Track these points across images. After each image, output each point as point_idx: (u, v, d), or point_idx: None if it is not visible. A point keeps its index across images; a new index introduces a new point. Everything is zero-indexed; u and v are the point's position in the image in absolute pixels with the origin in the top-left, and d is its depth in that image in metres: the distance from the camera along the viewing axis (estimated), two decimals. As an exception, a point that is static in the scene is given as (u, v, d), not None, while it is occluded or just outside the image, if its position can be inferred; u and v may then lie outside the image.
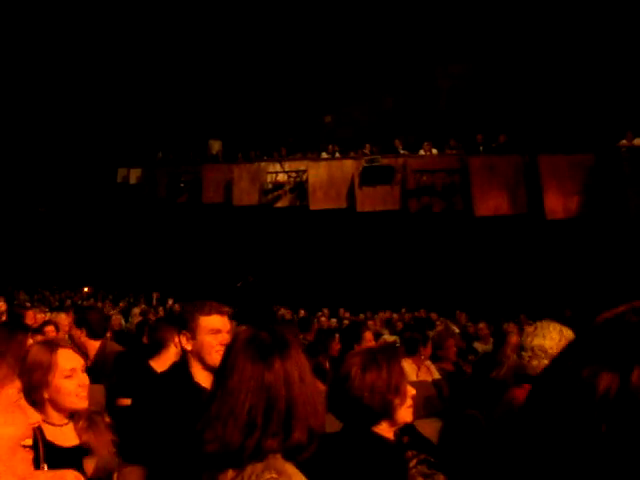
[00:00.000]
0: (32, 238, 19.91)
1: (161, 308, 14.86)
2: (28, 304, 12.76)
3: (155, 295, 17.36)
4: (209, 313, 2.63)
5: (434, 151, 16.31)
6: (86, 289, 18.11)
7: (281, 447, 1.59)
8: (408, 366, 6.12)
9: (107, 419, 2.53)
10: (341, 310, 15.36)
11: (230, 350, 1.75)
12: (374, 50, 18.45)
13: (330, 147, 17.83)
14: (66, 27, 19.46)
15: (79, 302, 16.29)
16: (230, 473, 1.59)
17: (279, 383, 1.63)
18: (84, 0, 19.17)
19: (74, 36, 19.62)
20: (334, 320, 14.02)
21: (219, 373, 1.75)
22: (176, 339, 3.98)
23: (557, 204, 14.25)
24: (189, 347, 2.61)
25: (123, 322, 11.15)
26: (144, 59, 19.83)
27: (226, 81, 19.81)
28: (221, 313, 2.66)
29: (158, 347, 4.05)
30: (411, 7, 17.92)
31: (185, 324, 2.64)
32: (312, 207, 16.93)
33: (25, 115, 20.13)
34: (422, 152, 16.40)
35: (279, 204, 17.47)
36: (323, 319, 13.74)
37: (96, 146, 20.17)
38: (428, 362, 5.95)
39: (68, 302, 15.96)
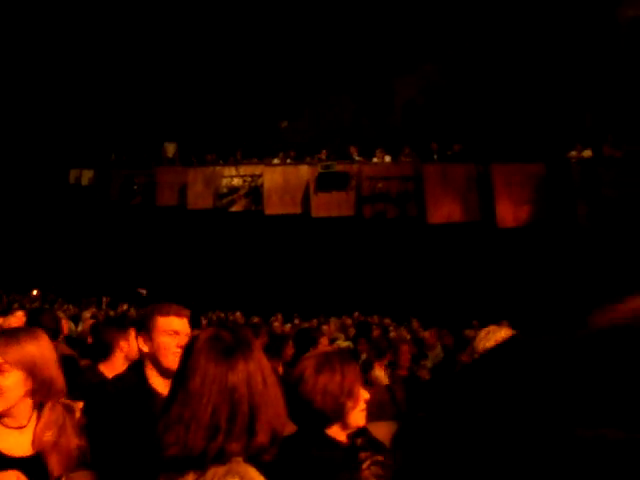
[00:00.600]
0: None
1: (112, 312, 14.66)
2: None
3: (105, 299, 17.11)
4: (167, 314, 2.58)
5: (387, 158, 16.48)
6: (35, 292, 17.77)
7: (244, 450, 1.57)
8: (380, 371, 6.21)
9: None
10: (295, 315, 15.45)
11: (190, 350, 1.70)
12: (332, 57, 18.61)
13: (285, 152, 17.88)
14: (29, 22, 19.21)
15: (27, 305, 16.01)
16: (191, 476, 1.56)
17: (243, 385, 1.61)
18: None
19: (31, 31, 19.43)
20: (288, 326, 14.08)
21: (179, 374, 1.70)
22: (122, 343, 4.01)
23: (508, 212, 14.55)
24: (145, 349, 2.57)
25: (73, 326, 10.98)
26: (98, 59, 19.68)
27: (182, 83, 19.80)
28: (180, 315, 2.62)
29: (106, 351, 4.02)
30: (371, 16, 18.05)
31: (143, 325, 2.61)
32: (267, 212, 16.97)
33: None
34: (375, 159, 16.58)
35: (234, 208, 17.43)
36: (276, 324, 13.72)
37: (48, 146, 19.93)
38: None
39: (16, 305, 15.66)
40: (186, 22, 19.32)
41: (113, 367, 3.86)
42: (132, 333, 4.75)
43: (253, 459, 1.59)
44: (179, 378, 1.68)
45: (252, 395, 1.61)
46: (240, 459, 1.56)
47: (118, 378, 2.78)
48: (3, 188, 20.08)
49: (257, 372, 1.65)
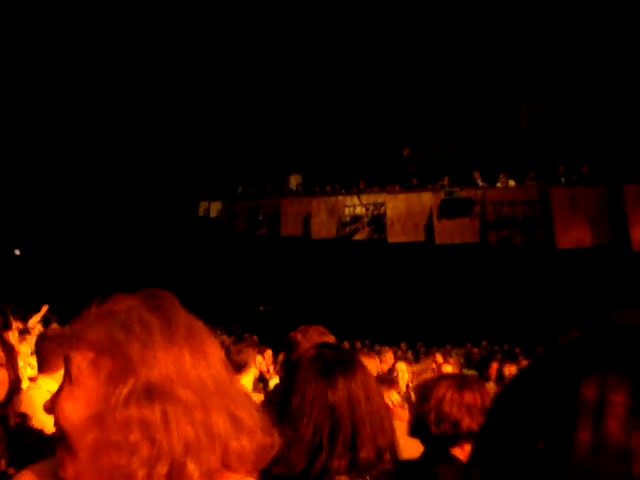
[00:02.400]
0: (119, 270, 20.85)
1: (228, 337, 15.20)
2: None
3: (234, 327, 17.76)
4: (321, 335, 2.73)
5: (511, 183, 16.40)
6: None
7: (347, 468, 1.57)
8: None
9: None
10: (418, 344, 15.50)
11: (293, 369, 1.77)
12: (453, 84, 18.71)
13: (407, 180, 18.09)
14: (151, 60, 20.47)
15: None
16: None
17: (343, 402, 1.62)
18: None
19: (162, 74, 20.65)
20: (410, 352, 14.28)
21: (283, 393, 1.76)
22: (258, 359, 4.38)
23: (644, 235, 14.12)
24: None
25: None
26: (229, 98, 20.59)
27: (305, 116, 20.36)
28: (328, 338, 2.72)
29: (239, 368, 4.26)
30: (494, 40, 18.05)
31: (290, 345, 2.79)
32: (390, 240, 17.14)
33: (112, 153, 21.13)
34: (499, 184, 16.54)
35: (357, 237, 17.72)
36: (399, 353, 13.69)
37: (179, 180, 20.94)
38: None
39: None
40: (312, 56, 19.97)
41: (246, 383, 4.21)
42: (269, 352, 5.18)
43: (359, 475, 1.59)
44: (283, 397, 1.74)
45: (354, 412, 1.62)
46: (344, 477, 1.57)
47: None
48: (140, 223, 21.39)
49: (359, 390, 1.65)
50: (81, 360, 1.00)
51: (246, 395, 1.12)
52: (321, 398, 1.62)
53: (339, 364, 1.70)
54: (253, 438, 1.03)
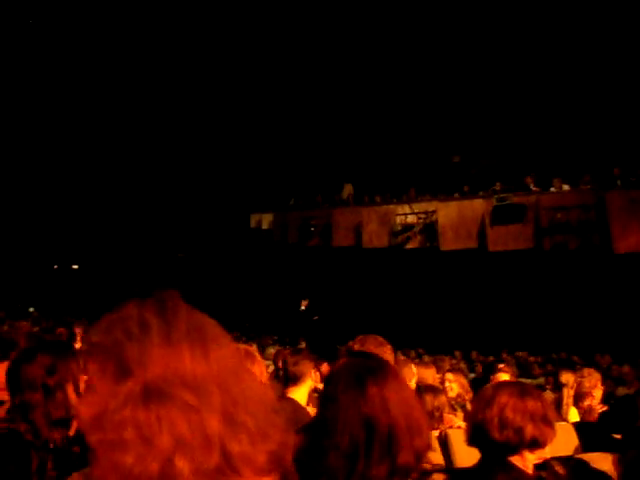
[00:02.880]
0: (172, 282, 21.00)
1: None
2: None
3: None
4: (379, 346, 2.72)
5: (565, 187, 16.20)
6: None
7: (387, 473, 1.59)
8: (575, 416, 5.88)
9: None
10: (474, 353, 15.34)
11: (328, 380, 1.83)
12: (503, 86, 18.54)
13: (459, 187, 18.06)
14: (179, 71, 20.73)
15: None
16: None
17: (378, 409, 1.64)
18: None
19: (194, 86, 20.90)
20: (463, 362, 14.10)
21: (320, 404, 1.82)
22: (313, 373, 4.39)
23: None
24: None
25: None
26: (280, 110, 20.85)
27: (355, 125, 20.39)
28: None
29: (295, 380, 4.23)
30: (547, 48, 17.95)
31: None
32: (443, 248, 17.10)
33: (166, 167, 21.63)
34: (553, 189, 16.33)
35: (409, 245, 17.75)
36: (453, 362, 13.52)
37: (232, 193, 21.23)
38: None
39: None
40: (358, 65, 20.04)
41: (301, 395, 4.17)
42: (325, 365, 5.07)
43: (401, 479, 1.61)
44: (320, 407, 1.81)
45: (389, 418, 1.63)
46: None
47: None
48: (193, 235, 21.76)
49: (392, 395, 1.67)
50: (92, 364, 1.05)
51: (258, 393, 1.11)
52: (354, 407, 1.65)
53: (369, 371, 1.73)
54: (258, 441, 1.02)
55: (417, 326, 16.67)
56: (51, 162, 21.01)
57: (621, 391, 8.91)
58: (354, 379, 1.71)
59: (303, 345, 15.13)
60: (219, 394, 1.02)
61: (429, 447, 1.72)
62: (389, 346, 2.90)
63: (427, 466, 2.48)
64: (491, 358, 13.92)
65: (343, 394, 1.68)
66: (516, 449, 2.24)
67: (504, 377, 5.89)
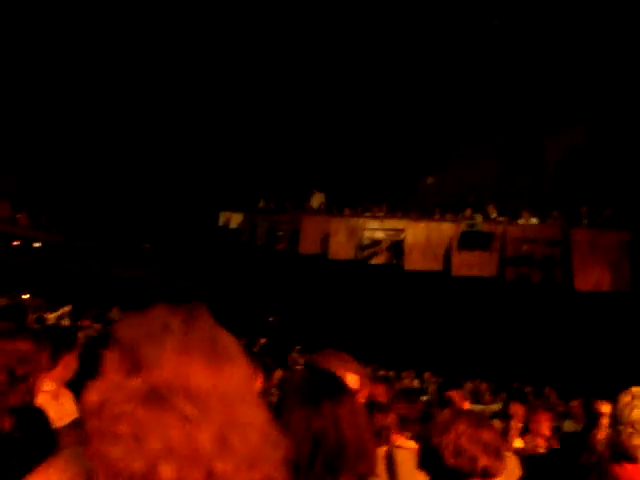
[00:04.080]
0: (135, 272, 21.19)
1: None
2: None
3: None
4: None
5: (533, 220, 16.41)
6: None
7: None
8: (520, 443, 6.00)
9: None
10: (427, 374, 15.32)
11: (282, 393, 1.82)
12: (481, 115, 18.79)
13: (429, 209, 18.20)
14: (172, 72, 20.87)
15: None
16: None
17: (328, 427, 1.63)
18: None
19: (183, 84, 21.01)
20: (416, 381, 14.36)
21: (273, 413, 1.84)
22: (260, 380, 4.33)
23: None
24: None
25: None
26: (257, 113, 20.97)
27: (332, 136, 20.59)
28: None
29: None
30: (524, 76, 18.20)
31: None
32: (407, 267, 17.19)
33: (136, 155, 21.66)
34: (521, 220, 16.55)
35: (375, 261, 17.78)
36: (407, 381, 14.07)
37: (203, 188, 21.28)
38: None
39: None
40: (336, 77, 20.23)
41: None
42: (279, 372, 5.00)
43: None
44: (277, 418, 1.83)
45: (339, 438, 1.62)
46: None
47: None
48: (160, 227, 21.64)
49: (345, 416, 1.66)
50: (110, 356, 1.09)
51: (261, 422, 1.12)
52: (306, 421, 1.63)
53: (327, 389, 1.73)
54: (243, 466, 1.04)
55: (374, 341, 16.62)
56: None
57: (567, 425, 9.01)
58: (310, 394, 1.70)
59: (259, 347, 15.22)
60: (219, 412, 1.05)
61: (373, 473, 1.72)
62: (355, 365, 2.86)
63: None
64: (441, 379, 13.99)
65: (297, 407, 1.66)
66: (467, 477, 2.27)
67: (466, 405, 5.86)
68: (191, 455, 1.01)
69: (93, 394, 1.07)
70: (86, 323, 14.61)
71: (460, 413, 2.49)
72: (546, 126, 18.59)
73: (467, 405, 5.86)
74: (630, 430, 2.44)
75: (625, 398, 2.53)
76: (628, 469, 2.41)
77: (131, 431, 1.00)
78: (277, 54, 20.52)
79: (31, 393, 2.49)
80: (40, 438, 2.46)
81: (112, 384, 1.06)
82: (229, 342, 1.16)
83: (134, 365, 1.05)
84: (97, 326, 13.54)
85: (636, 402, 2.48)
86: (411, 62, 19.42)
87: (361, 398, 2.47)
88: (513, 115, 18.65)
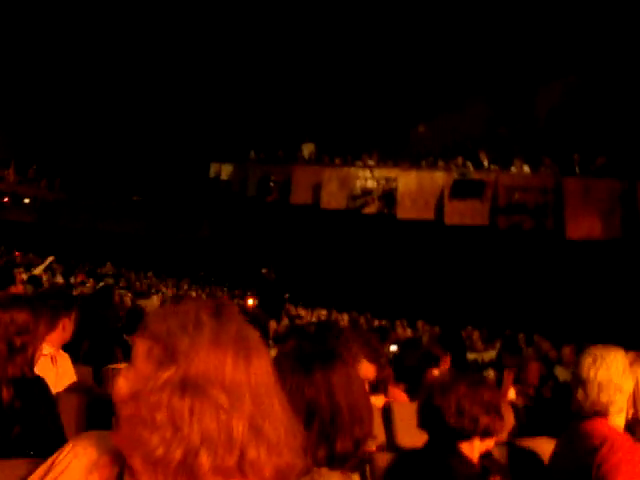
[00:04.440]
0: (125, 225, 21.23)
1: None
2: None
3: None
4: None
5: (525, 168, 16.29)
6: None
7: (325, 459, 1.59)
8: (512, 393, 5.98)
9: None
10: (420, 322, 15.41)
11: (274, 362, 1.82)
12: (472, 62, 18.62)
13: (420, 157, 18.07)
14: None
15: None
16: None
17: (321, 395, 1.63)
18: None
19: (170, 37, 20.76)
20: (409, 330, 14.45)
21: None
22: None
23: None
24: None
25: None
26: (248, 60, 20.82)
27: (322, 84, 20.37)
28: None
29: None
30: (515, 21, 18.02)
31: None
32: (400, 216, 17.24)
33: (124, 106, 21.55)
34: (513, 169, 16.45)
35: (367, 210, 17.80)
36: (400, 330, 14.13)
37: (192, 139, 21.16)
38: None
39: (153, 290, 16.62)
40: (328, 26, 20.04)
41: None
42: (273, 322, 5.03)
43: (338, 466, 1.61)
44: None
45: (332, 405, 1.63)
46: (324, 469, 1.58)
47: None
48: (150, 179, 21.60)
49: (338, 382, 1.66)
50: (141, 346, 1.14)
51: (284, 412, 1.19)
52: (298, 390, 1.63)
53: (317, 356, 1.73)
54: (273, 453, 1.11)
55: (367, 291, 16.90)
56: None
57: (560, 372, 9.10)
58: (301, 362, 1.70)
59: (252, 300, 15.33)
60: (250, 403, 1.10)
61: (370, 436, 1.73)
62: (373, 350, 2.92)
63: (372, 448, 2.59)
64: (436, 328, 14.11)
65: (289, 376, 1.64)
66: (469, 436, 2.33)
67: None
68: (226, 442, 1.07)
69: (125, 383, 1.13)
70: (80, 278, 14.71)
71: (458, 376, 2.51)
72: (538, 75, 18.39)
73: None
74: (596, 389, 2.51)
75: (587, 359, 2.58)
76: (600, 423, 2.50)
77: (169, 420, 1.06)
78: (269, 9, 20.27)
79: (30, 363, 2.50)
80: (40, 406, 2.48)
81: (144, 374, 1.11)
82: (255, 336, 1.20)
83: (168, 356, 1.10)
84: (90, 282, 13.59)
85: (599, 362, 2.53)
86: (402, 11, 19.19)
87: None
88: (505, 63, 18.38)
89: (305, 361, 1.71)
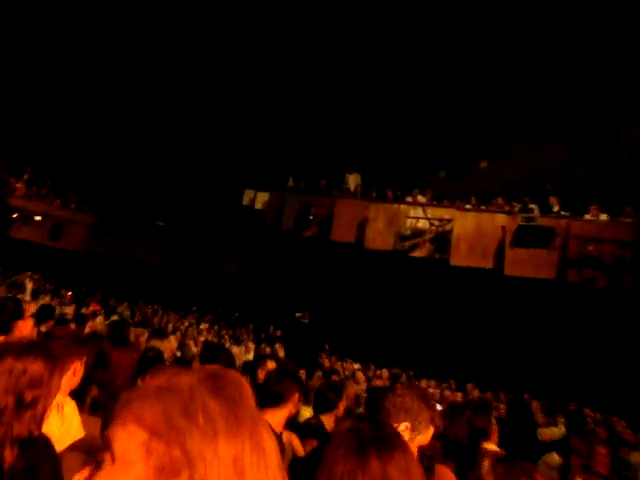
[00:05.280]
0: (146, 254, 21.11)
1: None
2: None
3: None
4: None
5: (602, 216, 15.91)
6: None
7: None
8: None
9: None
10: (470, 385, 14.96)
11: (326, 441, 1.77)
12: (553, 93, 18.30)
13: (480, 197, 17.86)
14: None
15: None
16: None
17: None
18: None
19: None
20: (459, 394, 13.91)
21: (311, 464, 1.78)
22: (296, 399, 4.11)
23: None
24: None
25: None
26: (294, 82, 20.86)
27: (374, 105, 20.22)
28: None
29: (275, 400, 4.05)
30: (603, 57, 17.73)
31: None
32: (453, 262, 16.83)
33: (152, 121, 21.78)
34: (588, 216, 16.04)
35: (416, 253, 17.39)
36: (447, 393, 13.73)
37: (226, 162, 21.08)
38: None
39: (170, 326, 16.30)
40: (382, 58, 19.86)
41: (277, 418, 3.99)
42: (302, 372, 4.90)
43: None
44: (310, 468, 1.75)
45: None
46: None
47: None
48: (177, 204, 21.58)
49: (394, 473, 1.61)
50: (129, 439, 0.96)
51: None
52: (350, 477, 1.59)
53: (375, 441, 1.66)
54: None
55: (412, 344, 16.67)
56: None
57: (635, 458, 8.62)
58: (356, 448, 1.64)
59: (281, 350, 15.03)
60: None
61: None
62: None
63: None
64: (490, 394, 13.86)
65: (341, 461, 1.62)
66: None
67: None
68: None
69: None
70: (92, 308, 14.57)
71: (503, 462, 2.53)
72: (622, 114, 17.99)
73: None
74: None
75: None
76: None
77: None
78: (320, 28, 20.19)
79: (39, 420, 2.34)
80: (44, 469, 2.34)
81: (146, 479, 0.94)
82: (259, 412, 1.08)
83: (177, 458, 0.94)
84: (102, 314, 13.32)
85: None
86: (476, 35, 19.00)
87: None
88: (586, 98, 18.09)
89: (360, 446, 1.65)
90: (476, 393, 14.34)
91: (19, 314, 5.30)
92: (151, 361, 5.08)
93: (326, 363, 15.30)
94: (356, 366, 15.48)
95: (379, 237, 17.91)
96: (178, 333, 15.30)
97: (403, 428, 2.78)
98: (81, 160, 21.69)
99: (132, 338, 8.01)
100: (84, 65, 21.08)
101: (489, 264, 16.63)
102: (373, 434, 1.70)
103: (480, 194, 18.04)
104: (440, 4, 19.27)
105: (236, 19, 20.94)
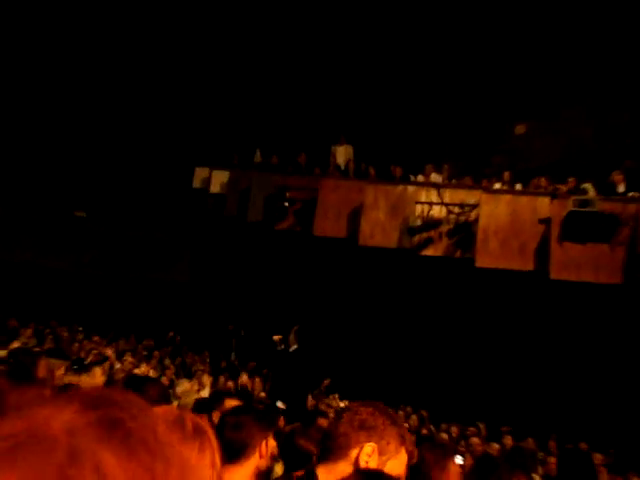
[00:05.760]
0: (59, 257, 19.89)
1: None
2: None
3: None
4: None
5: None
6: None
7: None
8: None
9: None
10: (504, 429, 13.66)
11: None
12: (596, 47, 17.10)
13: (515, 173, 16.14)
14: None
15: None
16: None
17: None
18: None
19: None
20: (495, 445, 12.30)
21: None
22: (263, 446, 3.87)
23: None
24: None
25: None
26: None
27: (367, 55, 18.83)
28: None
29: (236, 453, 3.66)
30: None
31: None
32: (479, 264, 15.08)
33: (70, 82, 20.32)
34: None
35: (428, 252, 15.67)
36: (475, 440, 12.40)
37: (169, 133, 19.82)
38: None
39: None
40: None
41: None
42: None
43: None
44: None
45: None
46: None
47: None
48: (102, 190, 20.17)
49: None
50: None
51: None
52: None
53: None
54: None
55: (426, 377, 15.18)
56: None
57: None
58: None
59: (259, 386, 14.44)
60: None
61: None
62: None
63: None
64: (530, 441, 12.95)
65: None
66: None
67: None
68: None
69: None
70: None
71: None
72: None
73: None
74: None
75: None
76: None
77: None
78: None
79: None
80: None
81: None
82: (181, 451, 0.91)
83: None
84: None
85: None
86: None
87: None
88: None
89: None
90: (509, 441, 12.92)
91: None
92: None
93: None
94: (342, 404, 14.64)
95: (379, 230, 16.28)
96: (106, 364, 13.41)
97: (369, 451, 2.56)
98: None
99: (41, 372, 6.70)
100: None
101: (529, 265, 14.80)
102: None
103: (516, 171, 16.38)
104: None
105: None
